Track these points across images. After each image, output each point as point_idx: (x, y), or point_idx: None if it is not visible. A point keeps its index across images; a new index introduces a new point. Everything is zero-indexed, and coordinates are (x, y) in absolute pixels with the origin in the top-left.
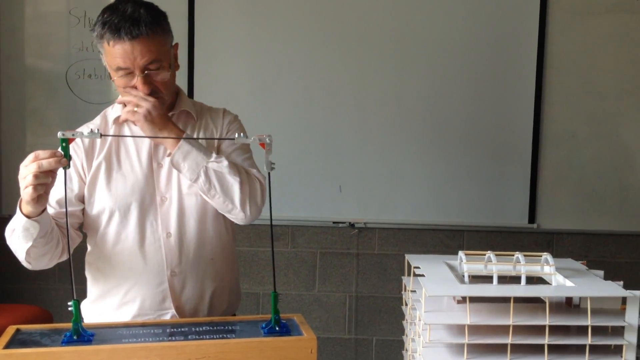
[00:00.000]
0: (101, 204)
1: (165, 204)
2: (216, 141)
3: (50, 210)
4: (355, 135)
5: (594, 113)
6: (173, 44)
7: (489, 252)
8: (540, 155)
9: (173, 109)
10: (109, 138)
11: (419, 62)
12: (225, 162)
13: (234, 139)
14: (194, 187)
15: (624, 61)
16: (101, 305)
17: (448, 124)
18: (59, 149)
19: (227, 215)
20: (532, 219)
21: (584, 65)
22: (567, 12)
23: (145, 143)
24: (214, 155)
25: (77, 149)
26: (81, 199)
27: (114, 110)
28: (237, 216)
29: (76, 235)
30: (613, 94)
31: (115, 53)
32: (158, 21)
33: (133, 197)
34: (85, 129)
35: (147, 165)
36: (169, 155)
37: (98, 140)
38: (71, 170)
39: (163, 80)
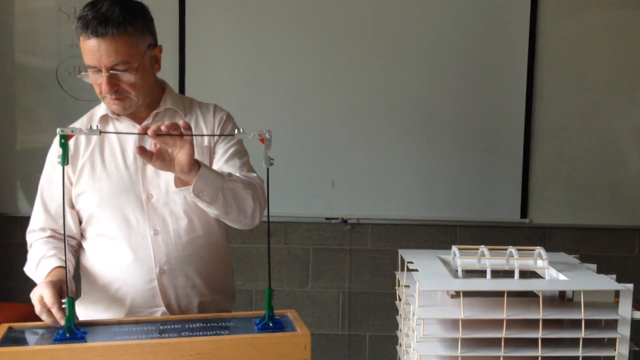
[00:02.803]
0: (87, 203)
1: (152, 201)
2: (211, 142)
3: (49, 220)
4: (347, 131)
5: (585, 107)
6: (155, 46)
7: (482, 246)
8: (532, 150)
9: (158, 107)
10: (93, 137)
11: (411, 57)
12: (238, 178)
13: (234, 135)
14: None
15: (614, 55)
16: (94, 302)
17: (440, 119)
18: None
19: (233, 224)
20: (524, 213)
21: (575, 59)
22: (558, 7)
23: (131, 140)
24: (224, 173)
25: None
26: (71, 205)
27: (100, 109)
28: (246, 225)
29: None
30: (604, 88)
31: (85, 49)
32: (130, 21)
33: (118, 195)
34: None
35: (132, 162)
36: (178, 186)
37: (82, 141)
38: (59, 176)
39: (128, 82)
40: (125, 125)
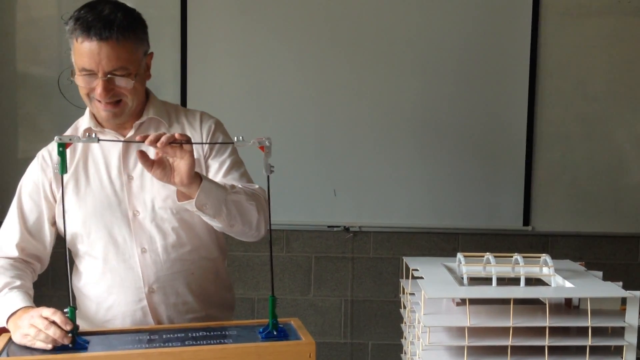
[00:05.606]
0: (71, 221)
1: (138, 219)
2: (200, 154)
3: (24, 236)
4: (349, 138)
5: (587, 115)
6: (148, 53)
7: (487, 253)
8: (534, 157)
9: (141, 116)
10: (77, 153)
11: (412, 64)
12: (241, 190)
13: (233, 142)
14: (168, 201)
15: (616, 63)
16: (87, 322)
17: (441, 126)
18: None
19: (240, 237)
20: (526, 221)
21: (576, 67)
22: (559, 14)
23: (114, 155)
24: (227, 185)
25: (45, 168)
26: (52, 222)
27: (84, 121)
28: (252, 237)
29: (41, 266)
30: (606, 95)
31: (82, 52)
32: (133, 28)
33: (103, 213)
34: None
35: (117, 178)
36: (181, 200)
37: (67, 156)
38: (39, 193)
39: (126, 87)
40: (110, 138)
